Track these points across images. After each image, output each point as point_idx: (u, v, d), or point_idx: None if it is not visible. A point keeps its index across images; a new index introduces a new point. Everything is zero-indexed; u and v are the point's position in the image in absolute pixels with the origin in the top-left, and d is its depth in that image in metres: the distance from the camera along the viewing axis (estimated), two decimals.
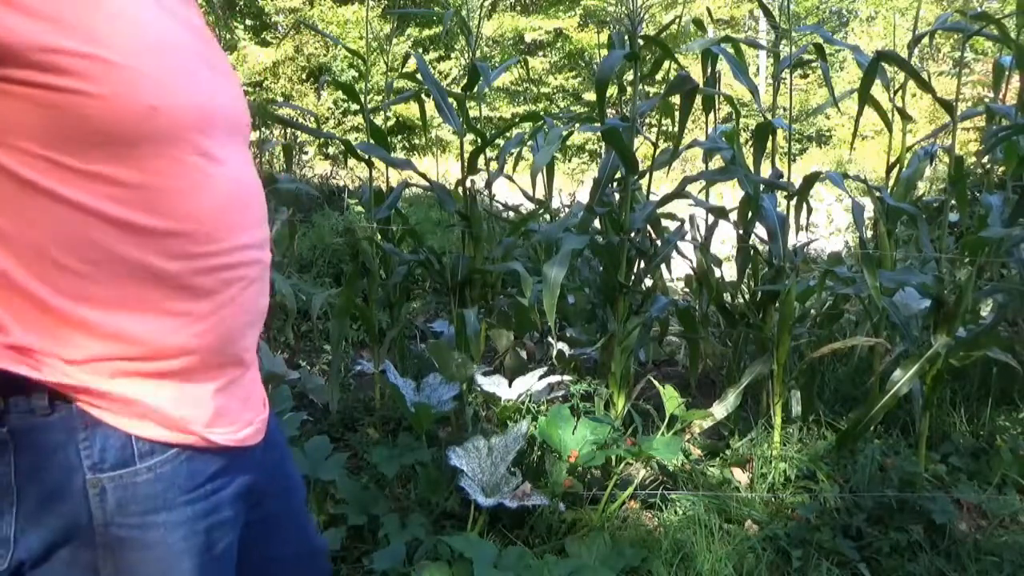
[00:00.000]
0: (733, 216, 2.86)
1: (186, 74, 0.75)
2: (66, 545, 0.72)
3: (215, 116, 0.78)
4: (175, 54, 0.75)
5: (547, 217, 3.42)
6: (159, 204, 0.72)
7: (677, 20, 3.18)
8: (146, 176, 0.71)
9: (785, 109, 2.65)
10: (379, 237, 2.78)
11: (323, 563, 1.10)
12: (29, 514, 0.70)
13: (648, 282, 2.91)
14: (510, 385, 2.48)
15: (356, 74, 13.01)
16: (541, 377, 2.49)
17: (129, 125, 0.69)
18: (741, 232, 2.89)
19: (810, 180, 2.52)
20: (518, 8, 19.29)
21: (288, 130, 7.69)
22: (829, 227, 5.98)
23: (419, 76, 2.80)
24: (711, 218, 3.06)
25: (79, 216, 0.69)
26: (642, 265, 2.73)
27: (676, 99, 2.56)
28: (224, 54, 0.87)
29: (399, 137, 15.33)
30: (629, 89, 2.64)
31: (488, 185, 3.01)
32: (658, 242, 2.84)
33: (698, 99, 2.63)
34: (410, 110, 12.96)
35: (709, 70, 2.78)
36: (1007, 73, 2.87)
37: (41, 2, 0.65)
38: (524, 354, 2.90)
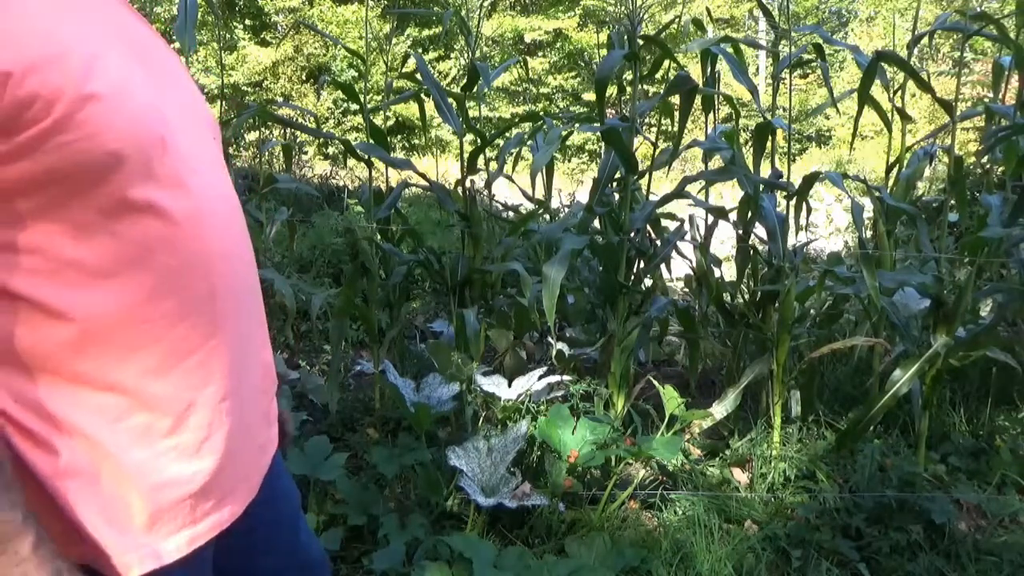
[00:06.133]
0: (733, 216, 2.86)
1: None
2: None
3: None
4: None
5: (547, 217, 3.42)
6: None
7: (677, 20, 3.19)
8: None
9: (785, 109, 2.65)
10: (379, 237, 2.78)
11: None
12: None
13: (648, 282, 2.91)
14: (510, 385, 2.47)
15: (356, 74, 13.02)
16: (541, 377, 2.49)
17: None
18: (741, 232, 2.89)
19: (810, 180, 2.52)
20: (518, 8, 19.29)
21: (288, 130, 7.70)
22: (829, 227, 5.96)
23: (419, 76, 2.80)
24: (711, 218, 3.06)
25: None
26: (642, 265, 2.73)
27: (676, 99, 2.56)
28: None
29: (399, 137, 15.34)
30: (629, 89, 2.64)
31: (488, 185, 3.01)
32: (658, 242, 2.84)
33: (698, 99, 2.63)
34: (410, 110, 12.97)
35: (709, 70, 2.78)
36: (1006, 73, 2.87)
37: None
38: (524, 354, 2.90)
